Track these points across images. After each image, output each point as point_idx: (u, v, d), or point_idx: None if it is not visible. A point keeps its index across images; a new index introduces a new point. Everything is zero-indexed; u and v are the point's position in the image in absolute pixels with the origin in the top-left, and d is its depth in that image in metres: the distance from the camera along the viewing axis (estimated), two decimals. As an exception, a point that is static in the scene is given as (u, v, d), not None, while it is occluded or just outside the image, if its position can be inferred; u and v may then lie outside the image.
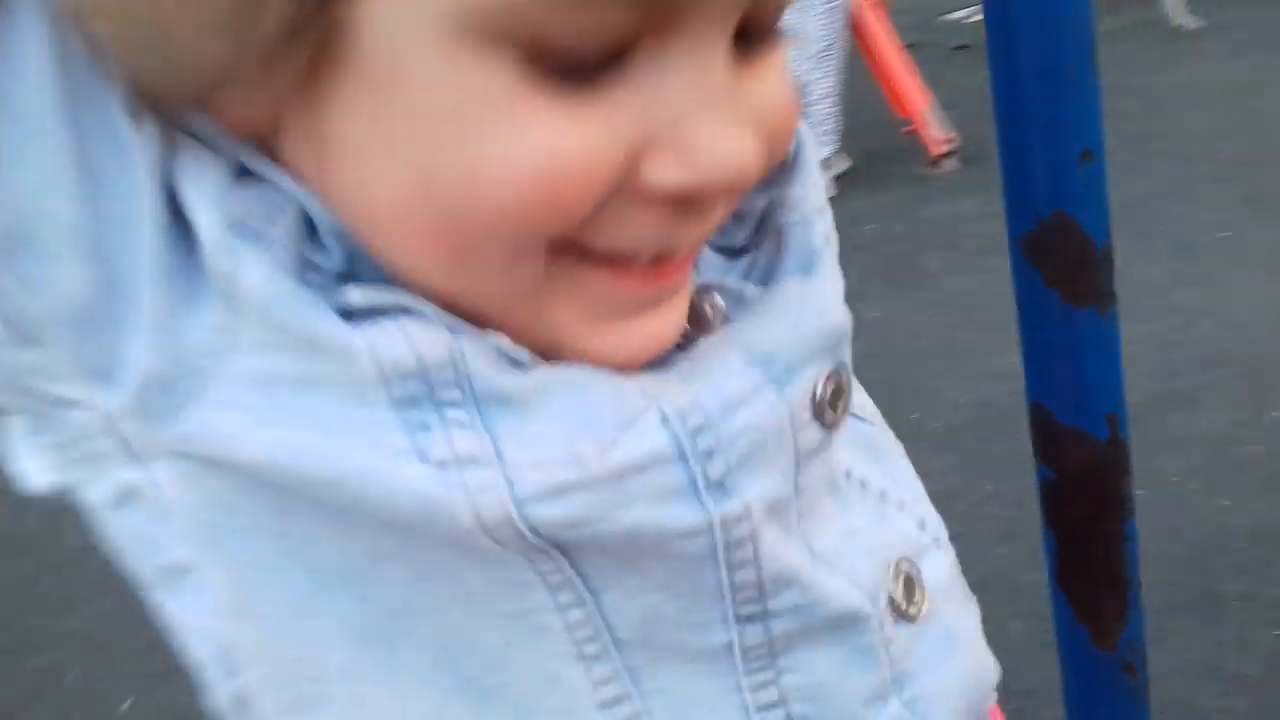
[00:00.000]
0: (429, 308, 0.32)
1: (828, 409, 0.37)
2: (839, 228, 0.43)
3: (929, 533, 0.43)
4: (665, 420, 0.33)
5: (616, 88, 0.31)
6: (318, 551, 0.34)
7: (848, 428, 0.39)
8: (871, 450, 0.44)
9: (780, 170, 0.40)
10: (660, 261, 0.34)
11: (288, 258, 0.32)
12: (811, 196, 0.41)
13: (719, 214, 0.35)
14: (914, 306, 3.07)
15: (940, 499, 0.45)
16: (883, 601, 0.39)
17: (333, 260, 0.32)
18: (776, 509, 0.36)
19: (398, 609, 0.35)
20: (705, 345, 0.37)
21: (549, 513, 0.32)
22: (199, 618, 0.35)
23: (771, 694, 0.37)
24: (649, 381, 0.35)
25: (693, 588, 0.35)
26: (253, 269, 0.31)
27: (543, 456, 0.32)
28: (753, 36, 0.33)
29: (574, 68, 0.30)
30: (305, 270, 0.32)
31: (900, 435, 0.46)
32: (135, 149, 0.30)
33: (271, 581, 0.34)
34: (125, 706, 1.98)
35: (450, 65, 0.29)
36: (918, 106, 3.94)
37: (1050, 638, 0.72)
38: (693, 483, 0.34)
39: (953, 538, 0.44)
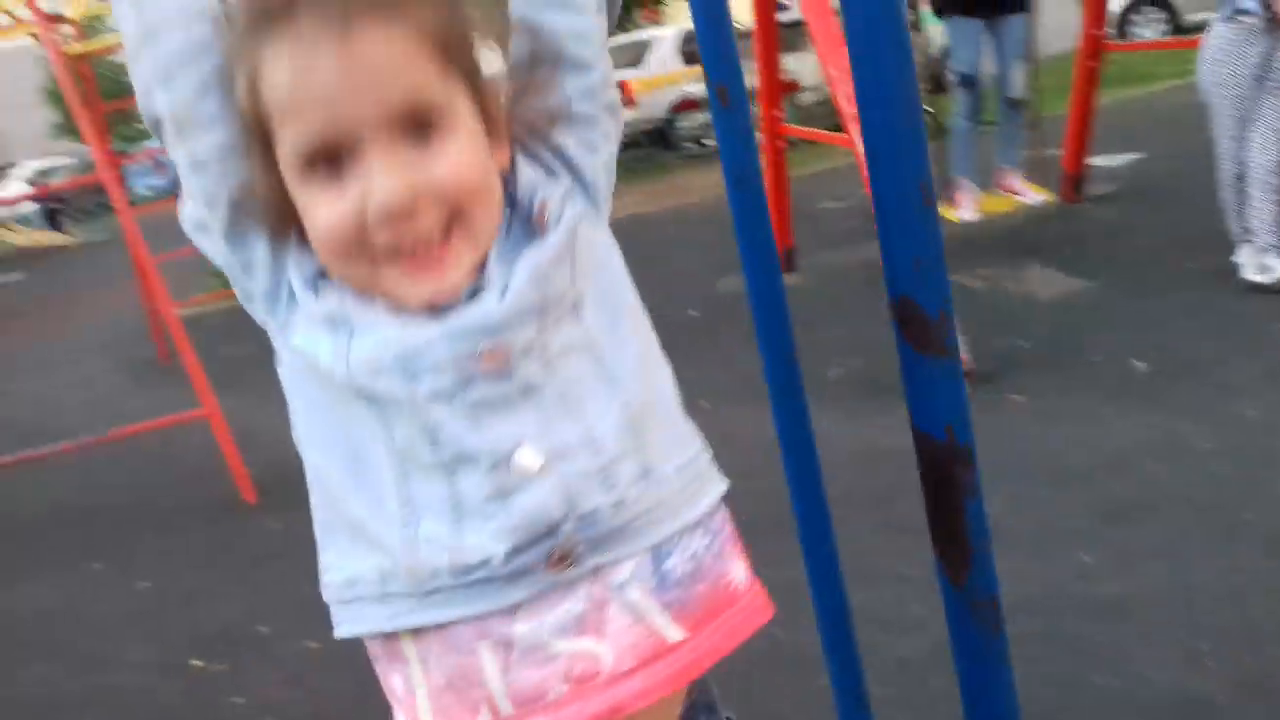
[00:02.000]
0: (344, 284, 0.85)
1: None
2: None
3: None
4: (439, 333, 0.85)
5: (353, 175, 0.80)
6: (314, 393, 0.88)
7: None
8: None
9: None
10: (422, 247, 0.81)
11: (311, 273, 0.85)
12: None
13: (426, 221, 0.81)
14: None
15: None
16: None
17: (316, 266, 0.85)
18: (442, 396, 0.84)
19: (333, 420, 0.88)
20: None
21: (361, 379, 0.83)
22: (296, 428, 0.92)
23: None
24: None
25: (418, 429, 0.84)
26: (298, 284, 0.84)
27: (369, 348, 0.84)
28: (428, 130, 0.79)
29: (328, 170, 0.80)
30: (316, 278, 0.85)
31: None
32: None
33: (297, 407, 0.90)
34: None
35: (296, 179, 0.81)
36: None
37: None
38: (412, 378, 0.83)
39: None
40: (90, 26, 8.63)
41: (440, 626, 0.87)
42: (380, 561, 0.87)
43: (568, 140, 0.91)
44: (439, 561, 0.85)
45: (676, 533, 0.90)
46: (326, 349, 0.84)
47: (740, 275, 1.33)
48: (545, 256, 0.86)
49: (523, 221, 0.88)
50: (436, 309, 0.83)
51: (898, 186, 0.86)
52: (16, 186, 22.42)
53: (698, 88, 10.95)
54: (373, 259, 0.81)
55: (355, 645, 0.95)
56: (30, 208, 21.76)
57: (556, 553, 0.85)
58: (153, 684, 3.03)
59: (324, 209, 0.80)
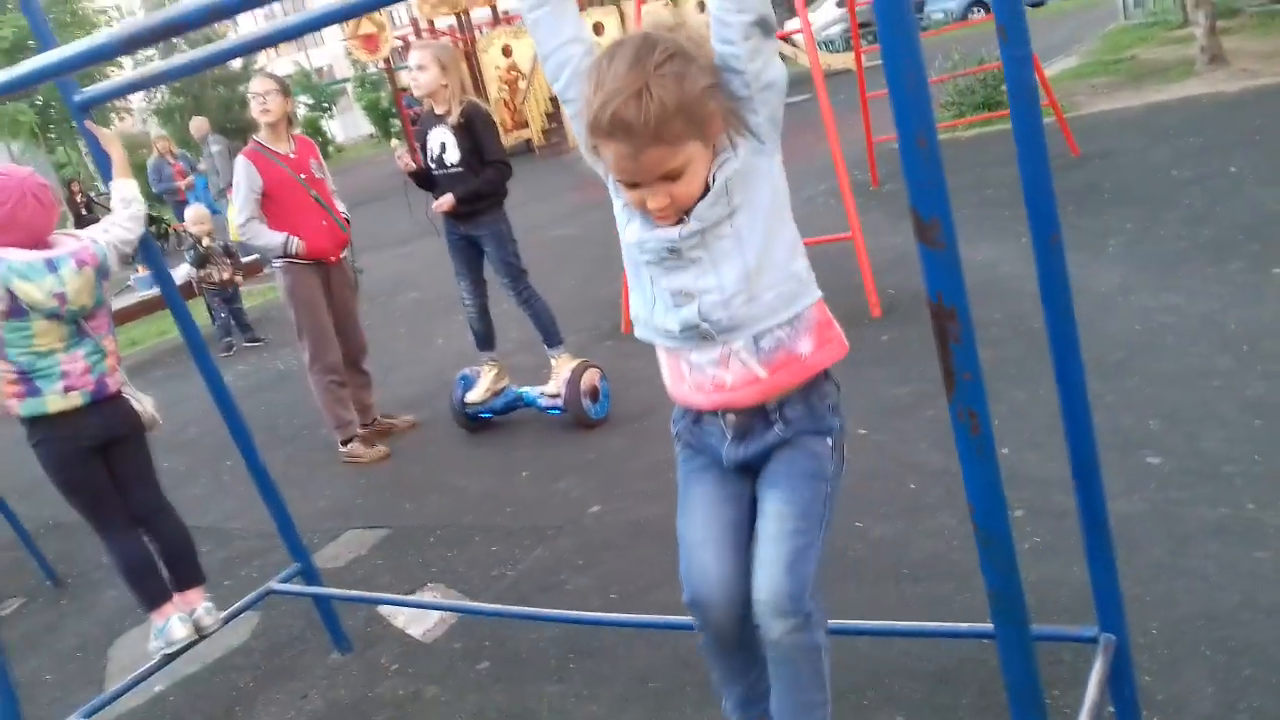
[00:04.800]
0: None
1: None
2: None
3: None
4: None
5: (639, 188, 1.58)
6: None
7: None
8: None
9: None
10: (662, 216, 1.62)
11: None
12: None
13: (668, 212, 1.60)
14: None
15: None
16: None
17: None
18: (652, 262, 1.65)
19: (627, 252, 1.76)
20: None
21: (628, 242, 1.72)
22: None
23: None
24: None
25: (647, 272, 1.67)
26: (614, 189, 1.72)
27: (633, 231, 1.72)
28: (676, 178, 1.55)
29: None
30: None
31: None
32: None
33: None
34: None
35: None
36: None
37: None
38: (642, 251, 1.67)
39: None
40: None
41: (664, 348, 1.73)
42: (640, 314, 1.74)
43: (737, 110, 1.57)
44: (657, 324, 1.68)
45: (768, 328, 1.63)
46: (622, 222, 1.69)
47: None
48: (707, 206, 1.59)
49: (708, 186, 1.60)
50: (658, 227, 1.63)
51: (910, 130, 1.33)
52: (826, 12, 25.23)
53: None
54: (643, 212, 1.63)
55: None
56: (836, 29, 24.28)
57: (698, 334, 1.64)
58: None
59: (626, 194, 1.62)
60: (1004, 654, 1.52)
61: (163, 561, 3.03)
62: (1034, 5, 24.65)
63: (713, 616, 1.73)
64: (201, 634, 3.01)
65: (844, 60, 16.86)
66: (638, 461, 4.38)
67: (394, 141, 4.86)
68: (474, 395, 5.23)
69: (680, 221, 1.60)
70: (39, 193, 2.78)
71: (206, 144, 13.09)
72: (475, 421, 5.28)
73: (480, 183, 4.79)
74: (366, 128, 36.16)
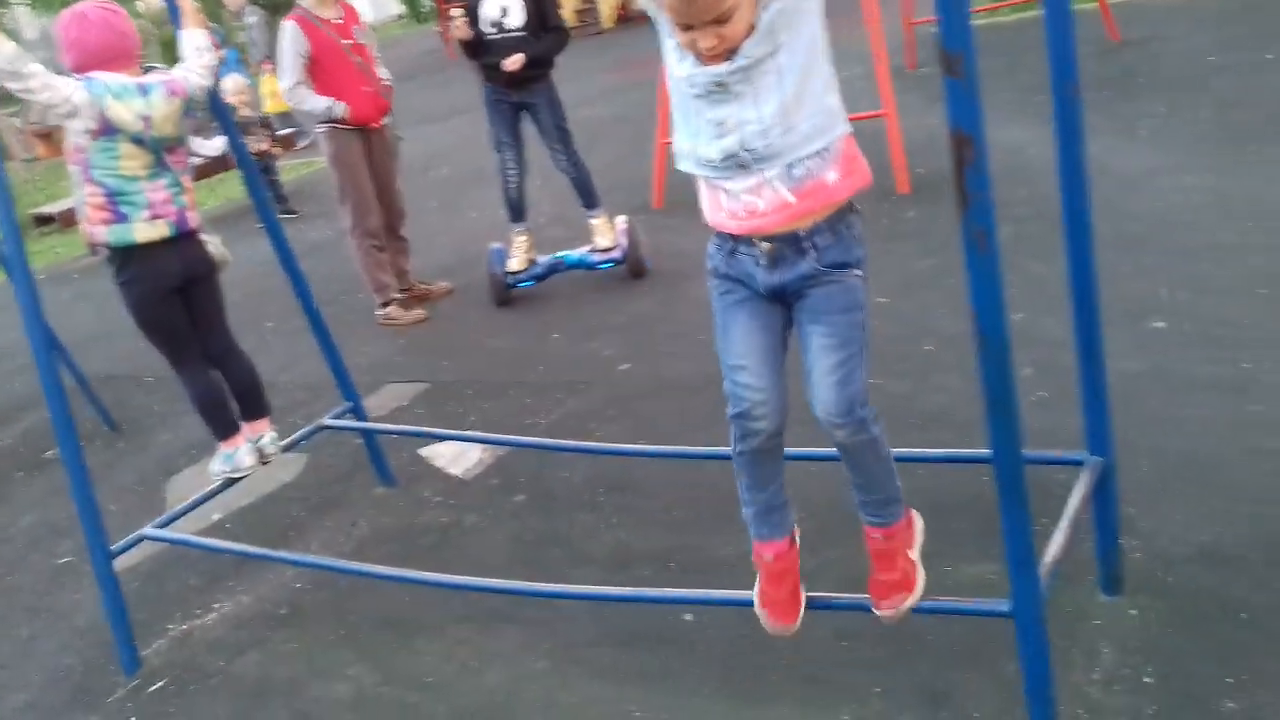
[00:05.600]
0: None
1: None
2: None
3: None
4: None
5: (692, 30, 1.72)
6: (672, 82, 1.89)
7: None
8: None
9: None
10: (712, 56, 1.75)
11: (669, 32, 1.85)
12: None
13: (718, 52, 1.74)
14: None
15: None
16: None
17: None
18: (700, 95, 1.80)
19: (675, 88, 1.87)
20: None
21: (678, 77, 1.85)
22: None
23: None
24: None
25: (694, 105, 1.81)
26: (667, 32, 1.81)
27: (685, 68, 1.82)
28: (725, 20, 1.69)
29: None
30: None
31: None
32: None
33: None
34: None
35: (670, 23, 1.77)
36: None
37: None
38: (692, 85, 1.81)
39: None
40: None
41: (704, 178, 1.88)
42: (684, 146, 1.88)
43: None
44: (701, 154, 1.84)
45: (800, 157, 1.77)
46: (674, 60, 1.81)
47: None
48: (753, 44, 1.71)
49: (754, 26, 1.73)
50: (707, 63, 1.76)
51: None
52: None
53: None
54: (695, 53, 1.76)
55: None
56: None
57: (737, 163, 1.79)
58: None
59: (679, 35, 1.75)
60: (995, 454, 1.71)
61: (234, 395, 3.24)
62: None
63: (753, 427, 1.96)
64: (264, 460, 3.26)
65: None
66: (667, 325, 4.57)
67: (454, 11, 4.87)
68: (513, 264, 5.34)
69: (728, 58, 1.74)
70: (97, 14, 2.88)
71: (242, 15, 13.03)
72: (514, 289, 5.39)
73: (543, 47, 4.88)
74: (396, 8, 35.56)
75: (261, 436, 3.27)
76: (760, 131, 1.75)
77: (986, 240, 1.59)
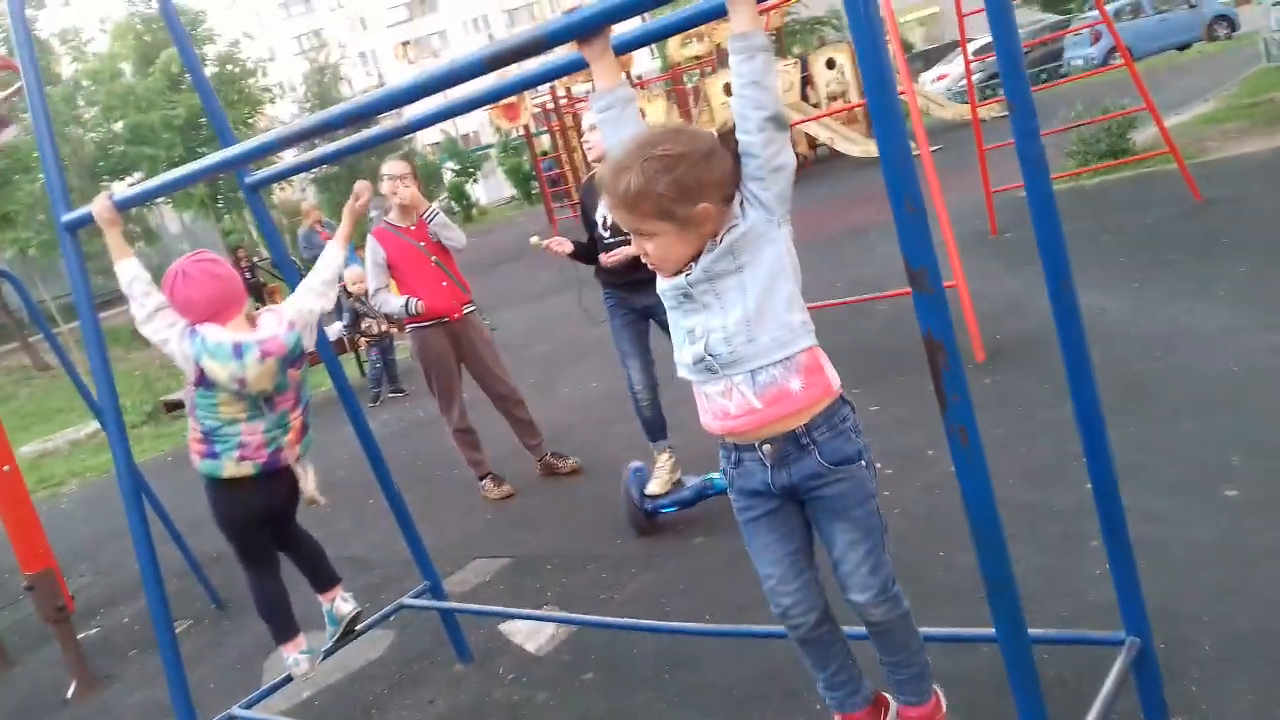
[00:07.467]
0: None
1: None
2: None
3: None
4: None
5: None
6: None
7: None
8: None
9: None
10: (656, 268, 2.01)
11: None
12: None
13: (644, 253, 1.99)
14: None
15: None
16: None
17: None
18: (672, 305, 2.00)
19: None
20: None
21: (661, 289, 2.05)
22: None
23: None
24: None
25: (671, 314, 2.00)
26: None
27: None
28: (650, 240, 1.93)
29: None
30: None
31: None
32: None
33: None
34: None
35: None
36: None
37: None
38: (665, 297, 2.03)
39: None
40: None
41: (691, 382, 2.02)
42: (675, 355, 2.04)
43: (751, 186, 1.87)
44: (680, 359, 2.01)
45: (764, 365, 1.90)
46: (659, 276, 2.01)
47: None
48: (712, 259, 1.89)
49: (715, 244, 1.90)
50: (672, 275, 1.96)
51: (899, 195, 1.62)
52: (958, 65, 25.30)
53: None
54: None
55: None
56: (961, 83, 24.36)
57: (706, 367, 1.95)
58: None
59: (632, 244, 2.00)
60: (1000, 636, 1.75)
61: (306, 573, 3.42)
62: (1181, 49, 24.22)
63: (794, 624, 2.11)
64: (341, 620, 3.39)
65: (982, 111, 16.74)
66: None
67: (534, 239, 5.09)
68: (653, 487, 4.62)
69: (685, 271, 1.93)
70: (193, 268, 2.96)
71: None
72: (655, 517, 4.58)
73: None
74: (508, 191, 37.60)
75: (335, 600, 3.42)
76: (724, 339, 1.91)
77: (969, 438, 1.69)
